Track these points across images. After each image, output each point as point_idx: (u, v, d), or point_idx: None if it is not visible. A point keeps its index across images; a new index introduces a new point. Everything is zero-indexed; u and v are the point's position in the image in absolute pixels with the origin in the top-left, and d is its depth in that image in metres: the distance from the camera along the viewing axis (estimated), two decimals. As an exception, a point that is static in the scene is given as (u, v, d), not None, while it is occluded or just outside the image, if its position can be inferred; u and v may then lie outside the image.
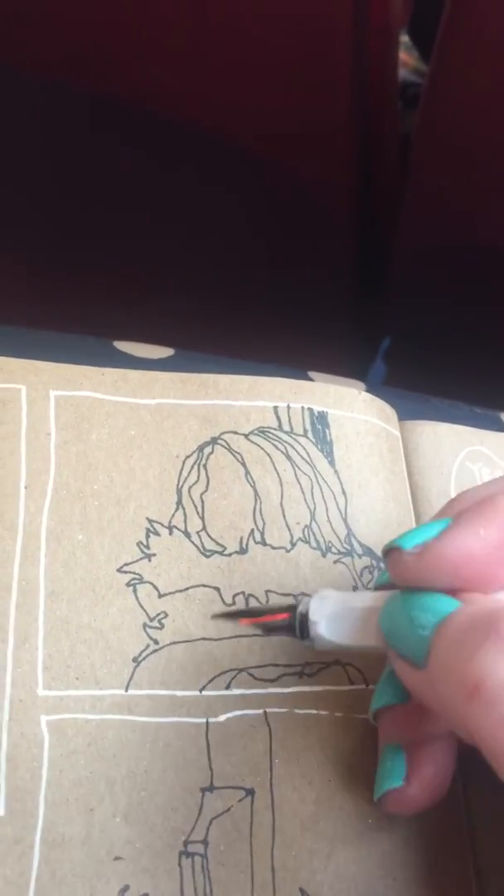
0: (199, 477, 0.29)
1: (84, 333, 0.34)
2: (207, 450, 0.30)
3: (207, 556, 0.28)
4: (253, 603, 0.28)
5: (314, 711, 0.27)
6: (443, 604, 0.21)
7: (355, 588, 0.29)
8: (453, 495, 0.32)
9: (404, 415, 0.35)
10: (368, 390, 0.34)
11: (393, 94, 0.51)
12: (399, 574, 0.22)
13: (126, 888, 0.23)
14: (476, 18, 0.40)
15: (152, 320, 0.49)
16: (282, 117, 0.48)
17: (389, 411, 0.34)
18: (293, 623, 0.24)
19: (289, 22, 0.42)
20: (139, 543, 0.28)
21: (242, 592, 0.28)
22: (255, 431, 0.31)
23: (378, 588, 0.26)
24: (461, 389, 0.43)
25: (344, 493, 0.31)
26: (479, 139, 0.46)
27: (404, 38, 0.70)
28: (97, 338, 0.34)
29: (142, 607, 0.27)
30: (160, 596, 0.27)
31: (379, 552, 0.30)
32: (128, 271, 0.60)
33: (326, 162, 0.50)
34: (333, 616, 0.24)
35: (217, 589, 0.28)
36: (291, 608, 0.24)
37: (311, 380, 0.35)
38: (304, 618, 0.24)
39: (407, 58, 0.72)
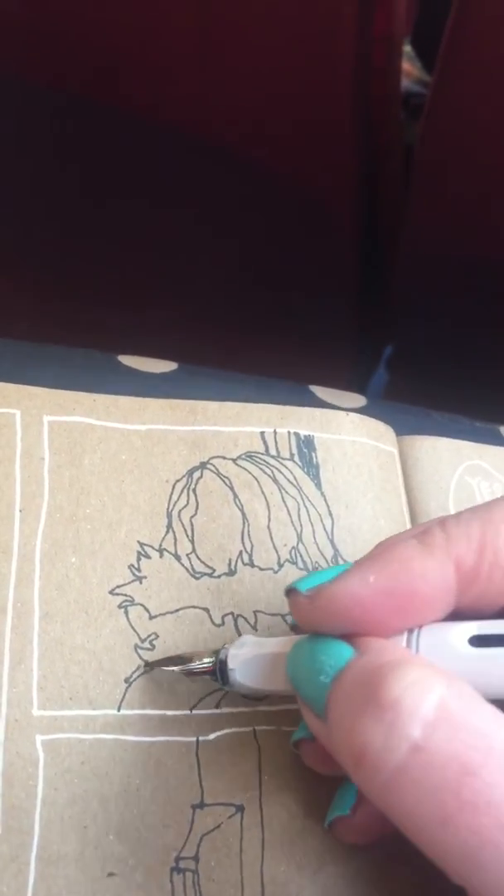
0: (188, 501, 0.30)
1: (88, 347, 0.34)
2: (196, 474, 0.31)
3: (197, 578, 0.29)
4: (241, 623, 0.29)
5: None
6: (337, 650, 0.21)
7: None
8: (452, 510, 0.33)
9: (405, 429, 0.35)
10: (369, 406, 0.35)
11: (396, 105, 0.51)
12: (296, 616, 0.23)
13: (119, 904, 0.24)
14: (480, 29, 0.40)
15: (154, 333, 0.50)
16: (284, 127, 0.48)
17: (383, 428, 0.35)
18: (215, 669, 0.25)
19: (292, 31, 0.43)
20: (130, 566, 0.28)
21: (231, 613, 0.29)
22: (243, 456, 0.32)
23: (293, 630, 0.27)
24: (463, 398, 0.44)
25: (330, 514, 0.32)
26: (483, 150, 0.46)
27: (407, 48, 0.70)
28: (102, 353, 0.34)
29: (133, 629, 0.28)
30: (151, 617, 0.28)
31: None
32: (129, 283, 0.61)
33: (329, 172, 0.51)
34: (247, 662, 0.25)
35: (206, 610, 0.28)
36: (214, 654, 0.26)
37: (312, 393, 0.36)
38: (224, 664, 0.25)
39: (410, 68, 0.73)
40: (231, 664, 0.25)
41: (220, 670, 0.25)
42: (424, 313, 0.60)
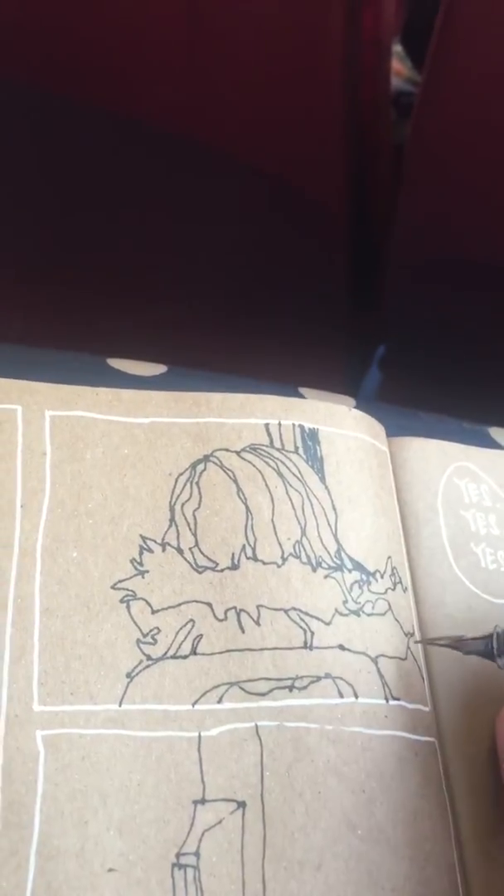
0: (191, 494, 0.30)
1: (76, 348, 0.34)
2: (200, 467, 0.30)
3: (200, 572, 0.29)
4: (244, 618, 0.28)
5: (304, 725, 0.27)
6: None
7: (345, 602, 0.30)
8: (440, 511, 0.33)
9: (393, 430, 0.35)
10: (358, 406, 0.35)
11: (385, 106, 0.51)
12: None
13: (119, 900, 0.24)
14: (468, 27, 0.40)
15: (145, 334, 0.50)
16: (274, 129, 0.49)
17: (378, 428, 0.34)
18: (490, 645, 0.26)
19: (280, 34, 0.43)
20: (133, 560, 0.28)
21: (234, 607, 0.28)
22: (247, 448, 0.31)
23: None
24: (455, 398, 0.44)
25: (334, 508, 0.31)
26: (472, 148, 0.46)
27: (397, 48, 0.70)
28: (91, 355, 0.34)
29: (135, 623, 0.27)
30: (153, 612, 0.28)
31: (369, 566, 0.30)
32: (121, 285, 0.61)
33: (320, 172, 0.51)
34: None
35: (209, 604, 0.28)
36: (489, 636, 0.26)
37: (301, 395, 0.35)
38: (501, 637, 0.26)
39: (399, 67, 0.72)
40: None
41: (497, 643, 0.26)
42: (416, 313, 0.60)
